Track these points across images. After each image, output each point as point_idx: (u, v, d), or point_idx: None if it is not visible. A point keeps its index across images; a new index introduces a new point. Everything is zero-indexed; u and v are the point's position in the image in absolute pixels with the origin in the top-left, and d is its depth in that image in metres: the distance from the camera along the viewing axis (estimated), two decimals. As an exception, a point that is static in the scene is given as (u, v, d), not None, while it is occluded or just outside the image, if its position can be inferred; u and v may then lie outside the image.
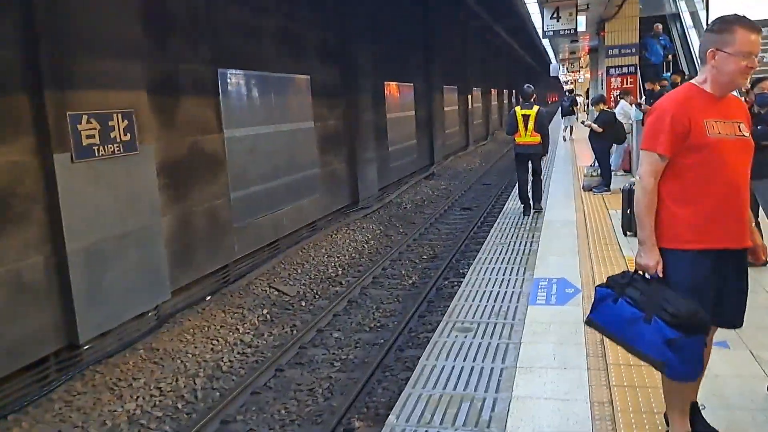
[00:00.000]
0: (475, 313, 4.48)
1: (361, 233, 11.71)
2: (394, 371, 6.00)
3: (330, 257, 10.04)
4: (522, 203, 8.41)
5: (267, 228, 9.45)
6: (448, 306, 7.78)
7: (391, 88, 16.56)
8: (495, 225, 7.86)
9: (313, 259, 9.83)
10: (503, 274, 5.44)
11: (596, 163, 9.39)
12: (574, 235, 6.57)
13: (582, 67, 28.00)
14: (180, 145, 7.27)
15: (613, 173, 9.52)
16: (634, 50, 11.08)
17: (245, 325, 7.17)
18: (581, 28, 10.36)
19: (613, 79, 11.35)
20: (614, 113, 9.22)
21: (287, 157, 10.12)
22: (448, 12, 21.12)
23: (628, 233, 6.27)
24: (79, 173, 5.58)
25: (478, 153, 27.51)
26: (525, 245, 6.51)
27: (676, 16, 14.27)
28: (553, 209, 8.15)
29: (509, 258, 5.98)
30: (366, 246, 11.00)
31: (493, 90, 37.05)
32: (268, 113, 9.57)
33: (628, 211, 6.08)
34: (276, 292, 8.36)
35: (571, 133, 19.26)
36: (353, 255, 10.37)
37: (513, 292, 4.88)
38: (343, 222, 12.05)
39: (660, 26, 11.83)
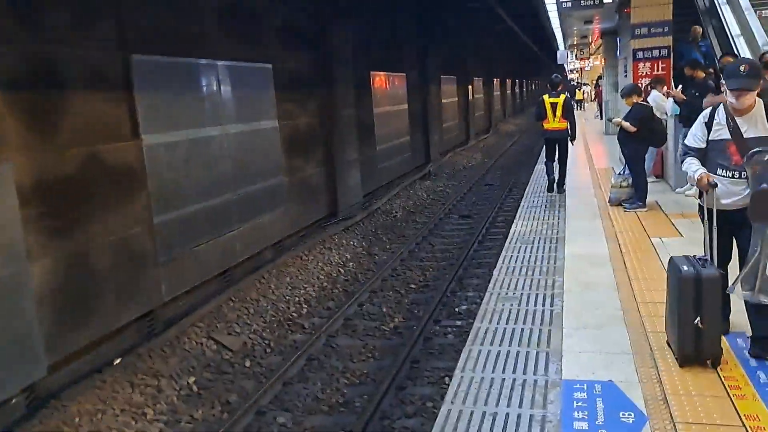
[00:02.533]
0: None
1: (339, 252, 9.76)
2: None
3: (295, 289, 8.10)
4: (549, 180, 9.16)
5: (212, 257, 7.50)
6: (438, 369, 5.94)
7: (379, 78, 14.54)
8: (500, 260, 5.89)
9: (273, 292, 7.89)
10: (512, 369, 3.46)
11: (626, 170, 7.40)
12: (614, 286, 4.60)
13: (591, 54, 25.81)
14: (66, 159, 5.32)
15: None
16: (666, 29, 9.04)
17: (158, 405, 5.24)
18: (608, -1, 8.37)
19: (641, 65, 9.33)
20: (651, 108, 7.20)
21: (241, 165, 8.15)
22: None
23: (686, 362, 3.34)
24: None
25: (480, 148, 25.47)
26: (543, 302, 4.54)
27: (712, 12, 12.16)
28: (577, 237, 6.18)
29: (520, 331, 4.01)
30: (342, 270, 9.06)
31: (495, 80, 34.91)
32: (212, 112, 7.60)
33: (698, 323, 3.15)
34: (215, 346, 6.43)
35: None
36: (325, 284, 8.43)
37: (531, 416, 2.93)
38: (318, 238, 10.10)
39: (699, 29, 9.59)
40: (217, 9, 7.85)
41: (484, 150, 24.97)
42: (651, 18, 9.15)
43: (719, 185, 3.31)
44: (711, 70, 7.98)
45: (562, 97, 8.74)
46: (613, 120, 7.31)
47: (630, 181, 7.33)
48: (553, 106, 8.65)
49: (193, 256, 7.16)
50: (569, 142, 8.97)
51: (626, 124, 7.02)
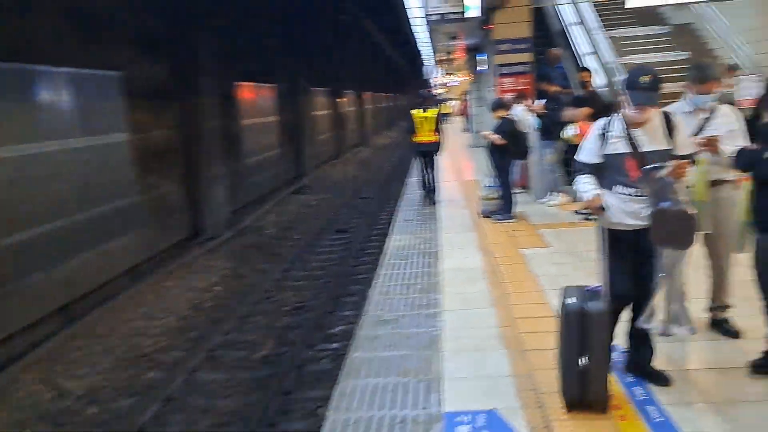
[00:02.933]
0: None
1: (204, 276, 9.03)
2: None
3: (151, 320, 7.30)
4: (422, 192, 9.45)
5: (50, 289, 6.54)
6: (312, 400, 5.52)
7: (247, 89, 13.92)
8: (376, 278, 5.63)
9: (126, 325, 7.05)
10: (390, 405, 3.16)
11: (494, 182, 7.48)
12: (490, 301, 4.48)
13: (457, 70, 26.80)
14: None
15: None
16: (527, 45, 9.40)
17: (-26, 475, 4.34)
18: (474, 13, 8.46)
19: (504, 80, 9.61)
20: (516, 122, 7.35)
21: (84, 184, 7.25)
22: (312, 3, 18.76)
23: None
24: None
25: (354, 161, 25.48)
26: (420, 322, 4.31)
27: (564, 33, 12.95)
28: (451, 251, 6.07)
29: (398, 359, 3.73)
30: (207, 296, 8.35)
31: (367, 94, 35.29)
32: (47, 124, 6.67)
33: (583, 363, 2.85)
34: (53, 392, 5.54)
35: None
36: (186, 313, 7.69)
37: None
38: (180, 262, 9.30)
39: (558, 51, 9.95)
40: (51, 9, 6.94)
41: (358, 163, 25.00)
42: (512, 35, 9.47)
43: (619, 203, 3.00)
44: (569, 91, 8.35)
45: (432, 111, 8.97)
46: (482, 132, 7.38)
47: (499, 193, 7.41)
48: (424, 120, 8.89)
49: (27, 289, 6.18)
50: (436, 154, 9.25)
51: (495, 137, 7.09)
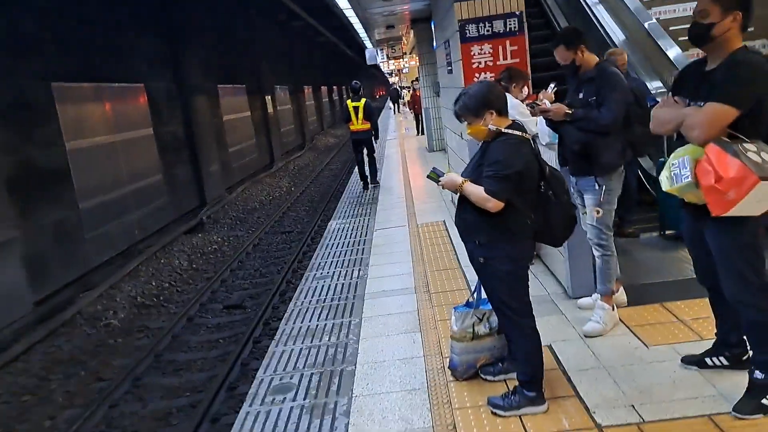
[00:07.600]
0: None
1: None
2: None
3: None
4: (361, 180, 10.18)
5: None
6: None
7: (83, 93, 9.16)
8: None
9: None
10: None
11: (481, 292, 3.01)
12: None
13: (405, 53, 22.22)
14: None
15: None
16: (513, -17, 4.95)
17: None
18: None
19: (475, 48, 5.09)
20: (536, 148, 2.79)
21: None
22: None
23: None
24: None
25: (289, 171, 20.79)
26: None
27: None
28: None
29: None
30: None
31: (306, 88, 30.55)
32: None
33: None
34: None
35: None
36: None
37: None
38: None
39: (621, 53, 5.16)
40: None
41: (293, 174, 20.32)
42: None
43: None
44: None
45: (363, 101, 9.60)
46: (441, 179, 2.75)
47: (492, 322, 2.97)
48: (356, 109, 9.56)
49: None
50: (374, 141, 9.94)
51: (478, 193, 2.60)
